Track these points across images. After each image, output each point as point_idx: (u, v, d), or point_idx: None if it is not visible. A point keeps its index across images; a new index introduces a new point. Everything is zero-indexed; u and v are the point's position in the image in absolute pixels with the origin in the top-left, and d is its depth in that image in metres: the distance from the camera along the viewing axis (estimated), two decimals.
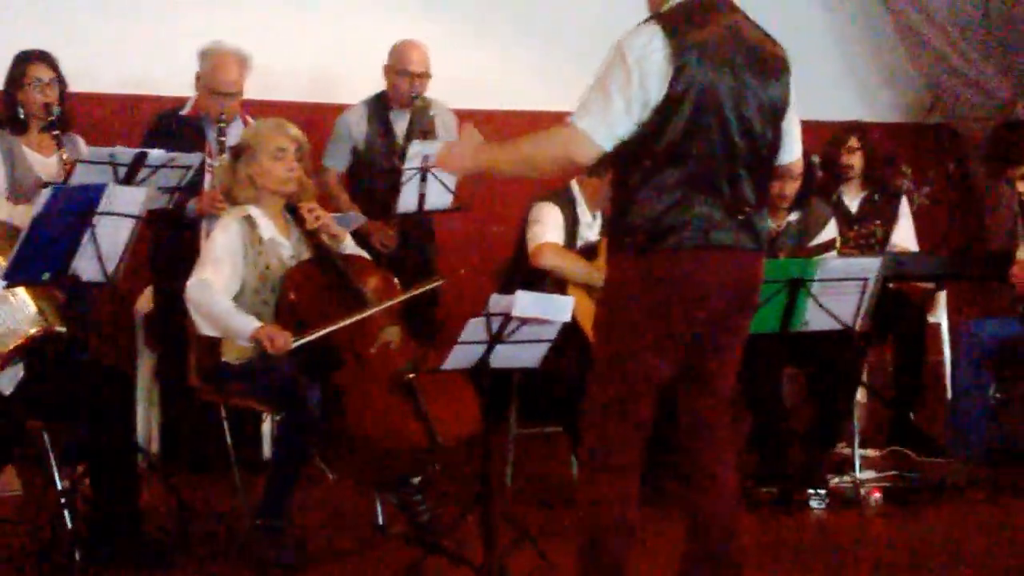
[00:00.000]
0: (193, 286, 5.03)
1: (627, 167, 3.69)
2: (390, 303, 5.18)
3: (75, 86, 5.97)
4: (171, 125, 6.14)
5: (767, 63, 3.77)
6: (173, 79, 6.50)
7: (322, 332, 4.93)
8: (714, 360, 3.84)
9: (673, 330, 3.68)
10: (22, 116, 5.81)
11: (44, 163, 5.77)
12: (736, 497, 3.90)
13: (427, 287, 5.35)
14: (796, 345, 5.66)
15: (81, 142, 5.90)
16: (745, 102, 3.69)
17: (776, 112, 3.80)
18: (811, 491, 5.61)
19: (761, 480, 5.70)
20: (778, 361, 5.77)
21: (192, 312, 5.04)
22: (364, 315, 5.03)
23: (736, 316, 3.79)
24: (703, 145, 3.62)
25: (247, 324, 4.94)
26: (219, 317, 4.99)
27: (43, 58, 5.85)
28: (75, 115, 5.96)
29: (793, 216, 6.14)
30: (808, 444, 5.88)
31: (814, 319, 5.44)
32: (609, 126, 3.61)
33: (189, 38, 6.39)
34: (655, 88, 3.59)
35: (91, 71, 6.29)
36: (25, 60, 5.85)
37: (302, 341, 4.88)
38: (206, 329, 5.04)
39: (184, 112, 6.23)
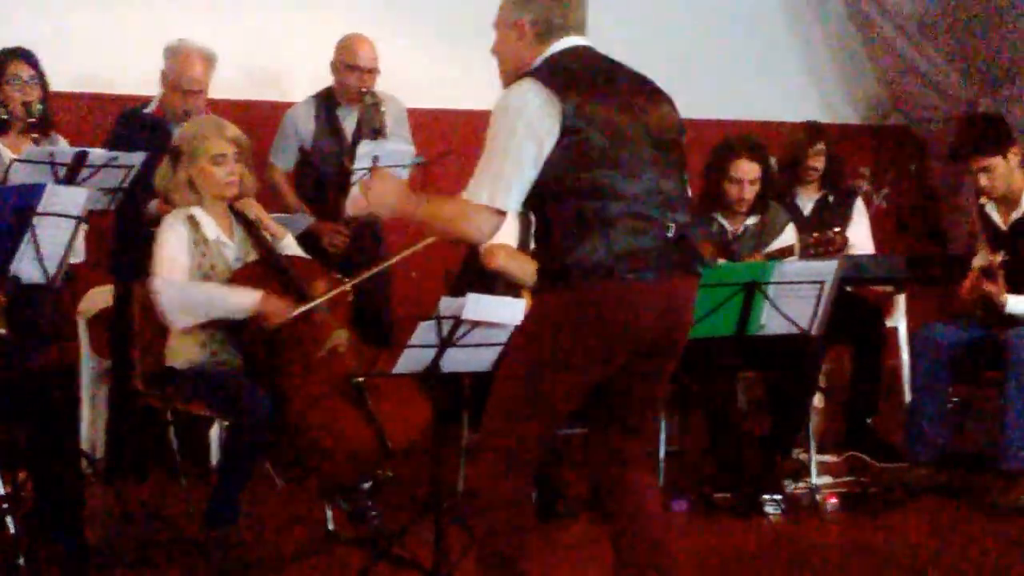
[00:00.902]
0: (162, 283, 4.96)
1: (542, 208, 3.65)
2: (343, 287, 5.11)
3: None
4: (136, 124, 6.08)
5: (648, 86, 3.78)
6: (142, 78, 6.42)
7: (311, 304, 4.92)
8: (634, 394, 3.77)
9: (593, 361, 3.62)
10: (3, 116, 5.72)
11: None
12: (663, 526, 3.85)
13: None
14: (752, 349, 5.61)
15: (63, 142, 5.83)
16: (642, 125, 3.66)
17: (677, 129, 3.79)
18: (767, 497, 5.57)
19: (716, 486, 5.67)
20: (734, 365, 5.73)
21: (168, 308, 4.95)
22: (337, 292, 5.01)
23: (663, 344, 3.71)
24: (613, 175, 3.58)
25: (247, 296, 4.90)
26: (213, 299, 4.94)
27: (23, 56, 5.78)
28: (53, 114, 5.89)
29: (751, 220, 6.09)
30: (764, 449, 5.85)
31: (770, 322, 5.41)
32: (506, 189, 3.59)
33: (150, 35, 6.35)
34: (545, 134, 3.57)
35: (63, 70, 6.18)
36: (4, 57, 5.77)
37: (298, 312, 4.86)
38: (185, 319, 4.95)
39: (148, 111, 6.17)
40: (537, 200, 3.64)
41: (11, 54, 5.79)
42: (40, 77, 5.79)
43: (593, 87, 3.64)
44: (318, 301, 4.94)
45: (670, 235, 3.62)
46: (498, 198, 3.59)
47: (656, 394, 3.82)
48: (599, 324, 3.57)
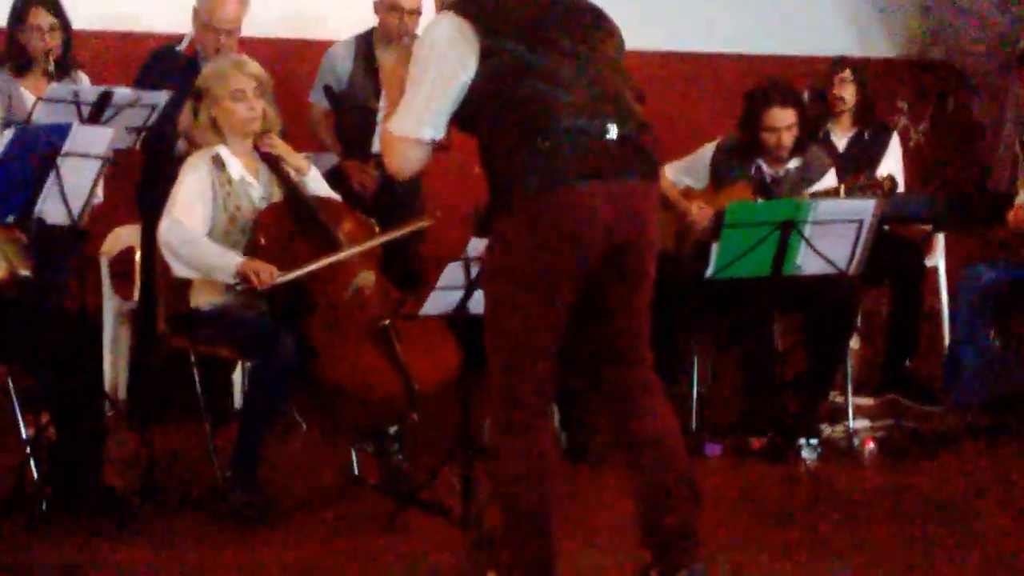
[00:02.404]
0: (168, 228, 4.90)
1: (480, 135, 3.66)
2: (368, 245, 5.03)
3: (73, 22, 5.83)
4: (167, 62, 6.01)
5: (583, 15, 3.73)
6: (170, 15, 6.34)
7: (307, 269, 4.80)
8: (612, 316, 3.70)
9: (554, 277, 3.56)
10: (24, 58, 5.65)
11: None
12: (681, 445, 3.76)
13: (405, 230, 5.19)
14: (788, 289, 5.50)
15: (86, 81, 5.78)
16: (567, 36, 3.62)
17: (610, 34, 3.74)
18: (803, 441, 5.49)
19: (751, 429, 5.58)
20: (769, 306, 5.62)
21: (168, 255, 4.91)
22: (346, 255, 4.88)
23: (625, 258, 3.64)
24: (540, 88, 3.55)
25: (231, 259, 4.81)
26: (200, 256, 4.86)
27: (44, 2, 5.70)
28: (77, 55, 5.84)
29: (792, 163, 5.97)
30: (800, 392, 5.77)
31: (807, 263, 5.29)
32: (424, 120, 3.63)
33: None
34: (459, 62, 3.57)
35: (87, 7, 6.09)
36: (25, 1, 5.70)
37: (286, 278, 4.75)
38: (184, 271, 4.91)
39: (180, 49, 6.08)
40: (474, 127, 3.65)
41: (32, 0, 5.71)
42: (62, 23, 5.72)
43: (511, 9, 3.62)
44: (306, 269, 4.80)
45: (609, 138, 3.57)
46: (415, 128, 3.63)
47: (638, 317, 3.73)
48: (549, 236, 3.52)
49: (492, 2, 3.64)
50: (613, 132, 3.58)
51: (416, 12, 6.33)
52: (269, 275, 4.73)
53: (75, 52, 5.86)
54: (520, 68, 3.55)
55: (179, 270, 4.91)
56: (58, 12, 5.72)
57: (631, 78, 3.77)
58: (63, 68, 5.72)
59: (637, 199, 3.63)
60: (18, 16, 5.70)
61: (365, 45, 6.45)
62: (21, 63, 5.71)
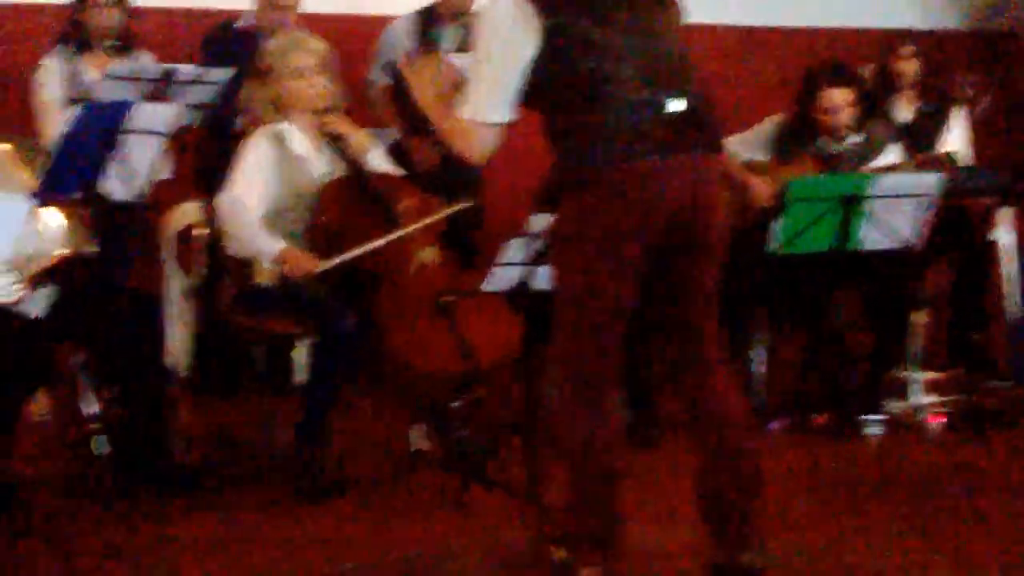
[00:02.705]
0: (223, 202, 4.95)
1: (545, 115, 3.63)
2: (423, 223, 5.03)
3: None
4: (228, 38, 6.05)
5: None
6: None
7: (349, 255, 4.81)
8: (680, 291, 3.69)
9: (621, 250, 3.54)
10: (85, 35, 5.67)
11: None
12: (746, 425, 3.75)
13: (456, 208, 5.19)
14: (851, 263, 5.46)
15: (147, 57, 5.81)
16: (625, 8, 3.58)
17: (674, 23, 3.70)
18: (868, 417, 5.45)
19: (815, 406, 5.56)
20: (832, 281, 5.57)
21: (221, 231, 4.97)
22: (393, 236, 4.89)
23: (692, 232, 3.62)
24: (599, 62, 3.52)
25: (272, 245, 4.84)
26: (247, 236, 4.91)
27: None
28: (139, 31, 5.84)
29: (854, 139, 5.91)
30: (864, 367, 5.72)
31: (870, 238, 5.25)
32: (489, 102, 3.59)
33: None
34: (520, 40, 3.53)
35: None
36: None
37: (328, 265, 4.77)
38: (234, 247, 4.96)
39: (241, 25, 6.09)
40: (536, 103, 3.62)
41: None
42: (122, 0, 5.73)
43: None
44: (350, 255, 4.81)
45: (671, 112, 3.55)
46: (481, 111, 3.60)
47: (705, 290, 3.71)
48: (614, 210, 3.51)
49: None
50: (673, 106, 3.56)
51: None
52: (305, 266, 4.77)
53: (136, 29, 5.88)
54: (580, 44, 3.52)
55: (230, 245, 4.95)
56: None
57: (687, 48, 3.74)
58: (124, 45, 5.74)
59: (701, 172, 3.61)
60: None
61: (425, 21, 6.44)
62: (83, 40, 5.74)
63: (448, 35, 6.42)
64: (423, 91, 3.79)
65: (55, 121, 5.51)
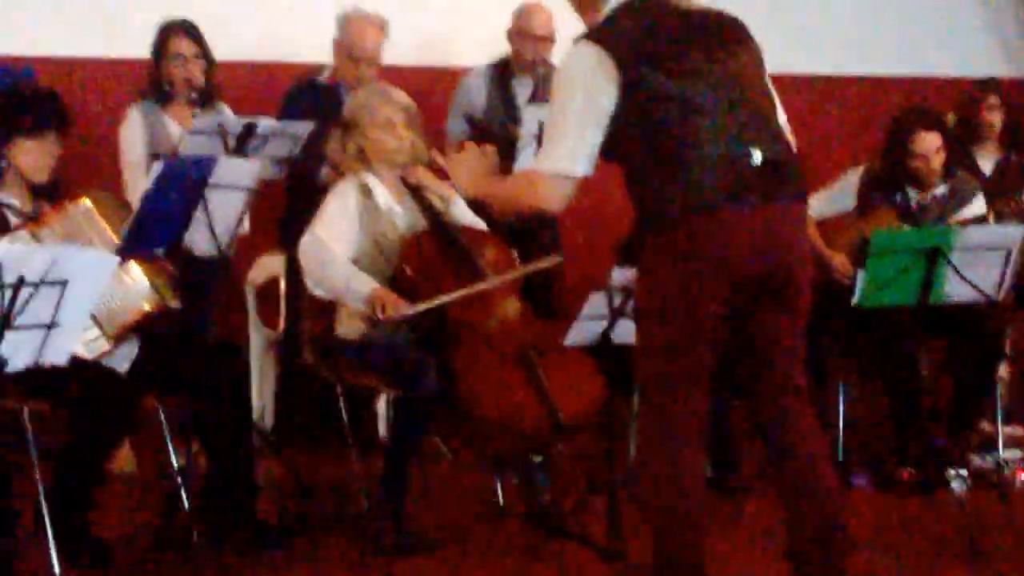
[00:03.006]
0: (308, 243, 4.95)
1: (624, 164, 3.63)
2: (509, 277, 5.03)
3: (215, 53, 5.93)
4: (309, 92, 6.10)
5: (721, 32, 3.68)
6: (311, 45, 6.44)
7: (437, 302, 4.80)
8: (767, 341, 3.67)
9: (703, 305, 3.54)
10: (167, 88, 5.75)
11: None
12: (831, 482, 3.72)
13: (545, 264, 5.19)
14: (934, 316, 5.40)
15: (228, 112, 5.85)
16: (710, 60, 3.58)
17: (752, 56, 3.69)
18: (952, 471, 5.36)
19: (898, 461, 5.51)
20: (915, 334, 5.53)
21: (308, 272, 4.95)
22: (481, 287, 4.88)
23: (777, 283, 3.60)
24: (684, 116, 3.52)
25: (366, 284, 4.84)
26: (338, 274, 4.89)
27: (186, 31, 5.81)
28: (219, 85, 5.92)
29: (939, 189, 5.86)
30: (948, 421, 5.67)
31: (954, 290, 5.19)
32: (569, 153, 3.59)
33: (321, 2, 6.37)
34: (602, 93, 3.54)
35: (228, 37, 6.18)
36: (167, 32, 5.81)
37: (416, 310, 4.77)
38: (317, 290, 4.96)
39: (322, 79, 6.15)
40: (617, 155, 3.62)
41: (173, 29, 5.81)
42: (203, 51, 5.79)
43: (651, 36, 3.58)
44: (437, 302, 4.80)
45: (753, 163, 3.54)
46: (561, 163, 3.59)
47: (792, 342, 3.69)
48: (696, 264, 3.51)
49: (629, 27, 3.60)
50: (757, 157, 3.56)
51: (549, 39, 6.35)
52: (395, 308, 4.76)
53: (216, 82, 5.94)
54: (661, 97, 3.52)
55: (313, 288, 4.95)
56: (199, 40, 5.81)
57: (774, 96, 3.74)
58: (206, 97, 5.79)
59: (785, 222, 3.61)
60: (161, 45, 5.79)
61: (499, 73, 6.47)
62: (165, 93, 5.80)
63: (521, 86, 6.45)
64: (465, 178, 3.86)
65: (139, 175, 5.56)
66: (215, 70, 5.87)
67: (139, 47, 5.97)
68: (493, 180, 3.86)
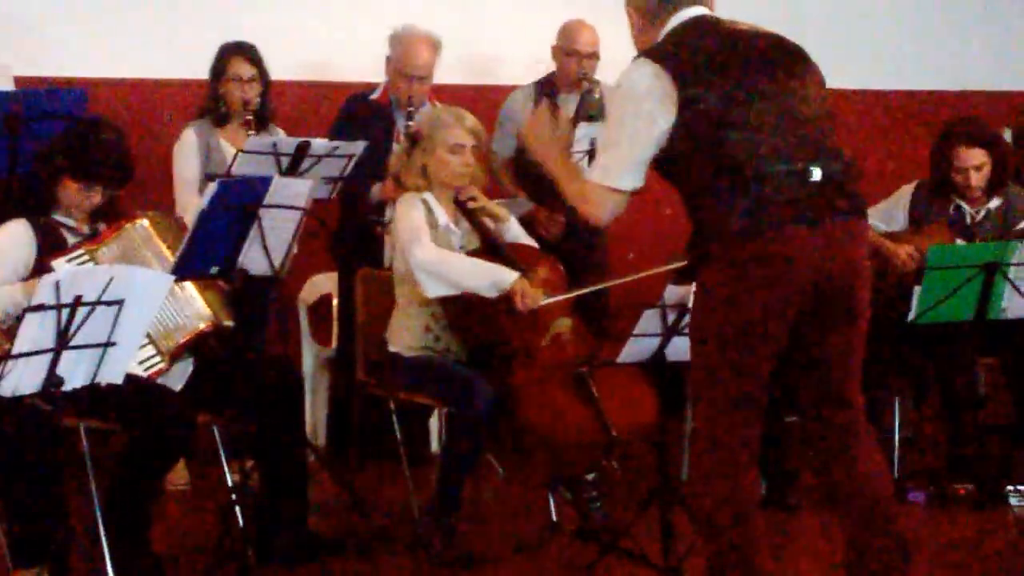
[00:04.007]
0: (426, 250, 4.89)
1: (681, 183, 3.64)
2: (574, 294, 5.04)
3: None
4: (361, 110, 6.10)
5: (779, 52, 3.68)
6: (362, 64, 6.48)
7: (562, 296, 4.92)
8: (826, 357, 3.65)
9: (761, 324, 3.52)
10: (223, 110, 5.78)
11: None
12: (889, 498, 3.70)
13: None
14: (992, 332, 5.37)
15: (281, 132, 5.87)
16: (767, 79, 3.58)
17: (809, 74, 3.68)
18: (1011, 488, 5.34)
19: (956, 476, 5.46)
20: (973, 350, 5.48)
21: (424, 276, 4.87)
22: (628, 279, 4.93)
23: (838, 299, 3.59)
24: (742, 136, 3.51)
25: (510, 273, 4.84)
26: (466, 268, 4.89)
27: (244, 52, 5.83)
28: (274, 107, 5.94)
29: (994, 203, 5.81)
30: (1006, 437, 5.62)
31: (1012, 305, 5.15)
32: (621, 169, 3.61)
33: (372, 21, 6.38)
34: (657, 111, 3.54)
35: (279, 57, 6.20)
36: (226, 54, 5.84)
37: (547, 301, 4.83)
38: (439, 290, 4.87)
39: (374, 97, 6.17)
40: (675, 176, 3.63)
41: (233, 50, 5.83)
42: (261, 73, 5.82)
43: (709, 55, 3.58)
44: (571, 295, 4.87)
45: (813, 181, 3.53)
46: (611, 177, 3.61)
47: (851, 358, 3.67)
48: (754, 283, 3.49)
49: (688, 45, 3.61)
50: (817, 175, 3.54)
51: (594, 56, 6.34)
52: (533, 299, 4.79)
53: (272, 104, 5.97)
54: (719, 116, 3.52)
55: (433, 289, 4.88)
56: (257, 62, 5.82)
57: (833, 114, 3.73)
58: (261, 119, 5.81)
59: (845, 240, 3.59)
60: (219, 67, 5.83)
61: (543, 91, 6.46)
62: (221, 114, 5.83)
63: (565, 105, 6.45)
64: (541, 135, 3.84)
65: (192, 195, 5.60)
66: (270, 92, 5.89)
67: (189, 68, 6.02)
68: (557, 155, 3.84)
